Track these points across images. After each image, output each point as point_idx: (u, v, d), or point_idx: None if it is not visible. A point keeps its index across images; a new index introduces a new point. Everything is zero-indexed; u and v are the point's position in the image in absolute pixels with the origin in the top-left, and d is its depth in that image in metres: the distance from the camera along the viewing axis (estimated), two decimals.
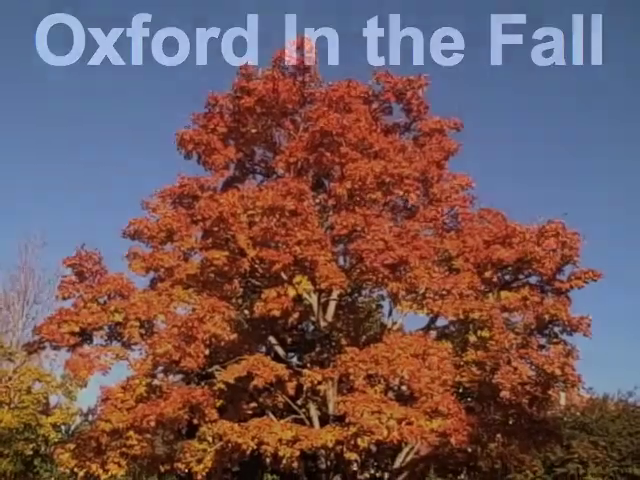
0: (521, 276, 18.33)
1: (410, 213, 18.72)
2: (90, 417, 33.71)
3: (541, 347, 17.67)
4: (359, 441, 13.80)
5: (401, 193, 17.61)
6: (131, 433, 15.60)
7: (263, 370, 15.62)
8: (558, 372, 15.84)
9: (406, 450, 17.68)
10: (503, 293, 17.86)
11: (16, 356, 21.42)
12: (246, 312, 18.44)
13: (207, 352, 15.60)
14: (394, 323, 18.85)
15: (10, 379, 21.12)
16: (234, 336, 16.17)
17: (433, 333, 18.32)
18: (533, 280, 18.42)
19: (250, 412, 18.30)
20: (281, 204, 15.58)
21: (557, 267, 17.82)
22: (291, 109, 19.65)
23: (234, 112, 19.78)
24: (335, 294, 18.50)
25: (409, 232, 16.47)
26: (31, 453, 20.48)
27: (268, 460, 15.59)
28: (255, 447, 14.90)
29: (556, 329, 17.71)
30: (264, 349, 20.04)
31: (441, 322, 18.40)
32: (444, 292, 16.47)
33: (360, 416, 13.73)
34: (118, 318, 16.28)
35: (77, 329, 16.48)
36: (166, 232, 17.87)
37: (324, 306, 18.49)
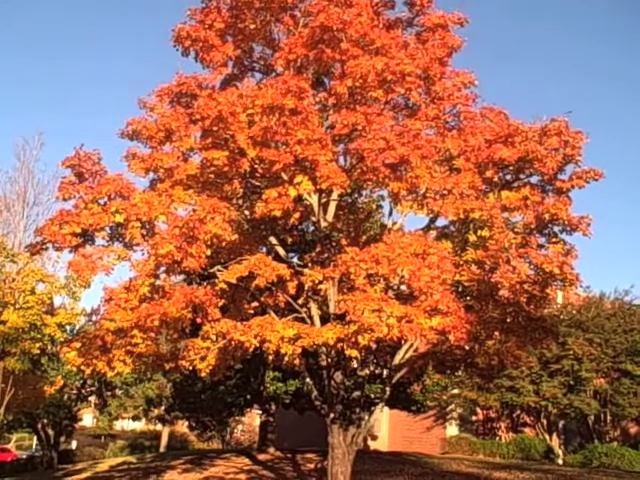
0: (522, 176, 18.26)
1: (411, 112, 18.44)
2: (94, 317, 34.33)
3: (540, 246, 17.78)
4: (359, 338, 14.01)
5: (403, 91, 17.33)
6: (135, 332, 15.86)
7: (264, 270, 15.76)
8: (557, 271, 15.96)
9: (405, 347, 18.08)
10: (504, 193, 17.85)
11: (19, 257, 21.55)
12: (247, 213, 18.45)
13: (209, 252, 15.71)
14: (394, 223, 18.94)
15: (14, 280, 21.31)
16: (235, 237, 16.25)
17: (433, 233, 18.40)
18: (534, 180, 18.38)
19: (252, 311, 18.64)
20: (281, 102, 15.33)
21: (559, 166, 17.75)
22: (290, 4, 19.11)
23: (232, 7, 19.25)
24: (335, 194, 18.50)
25: (410, 131, 16.26)
26: (38, 352, 20.90)
27: (270, 357, 15.87)
28: (258, 345, 15.15)
29: (556, 228, 17.77)
30: (265, 249, 20.22)
31: (441, 222, 18.49)
32: (445, 192, 16.47)
33: (360, 314, 13.91)
34: (119, 219, 16.26)
35: (78, 230, 16.49)
36: (165, 132, 17.65)
37: (324, 206, 18.51)
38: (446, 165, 17.59)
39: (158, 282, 16.56)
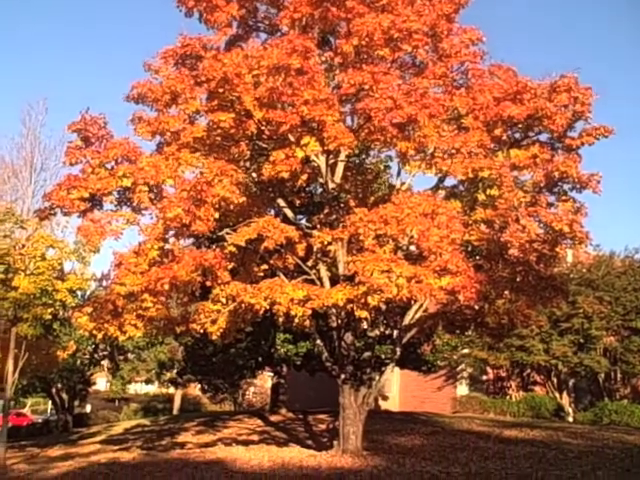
0: (531, 133, 18.14)
1: (419, 70, 18.23)
2: (104, 282, 34.62)
3: (550, 205, 17.72)
4: (369, 299, 14.05)
5: (409, 49, 17.15)
6: (146, 296, 15.95)
7: (273, 232, 15.76)
8: (566, 229, 15.93)
9: (415, 307, 18.13)
10: (513, 151, 17.75)
11: (28, 223, 21.61)
12: (254, 175, 18.40)
13: (217, 215, 15.72)
14: (402, 184, 18.87)
15: (24, 246, 21.37)
16: (243, 199, 16.23)
17: (442, 193, 18.35)
18: (543, 137, 18.26)
19: (261, 274, 18.68)
20: (286, 63, 15.20)
21: (568, 124, 17.60)
22: None
23: None
24: (343, 155, 18.40)
25: (418, 90, 16.12)
26: (50, 317, 21.05)
27: (280, 320, 15.95)
28: (268, 307, 15.22)
29: (565, 186, 17.69)
30: (273, 212, 20.22)
31: (450, 182, 18.42)
32: (453, 151, 16.35)
33: (370, 275, 13.94)
34: (127, 183, 16.27)
35: (86, 195, 16.54)
36: (170, 94, 17.52)
37: (332, 167, 18.44)
38: (454, 124, 17.46)
39: (167, 246, 16.63)
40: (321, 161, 17.50)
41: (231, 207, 16.18)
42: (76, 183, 16.55)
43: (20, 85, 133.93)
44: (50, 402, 54.13)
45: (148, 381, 60.21)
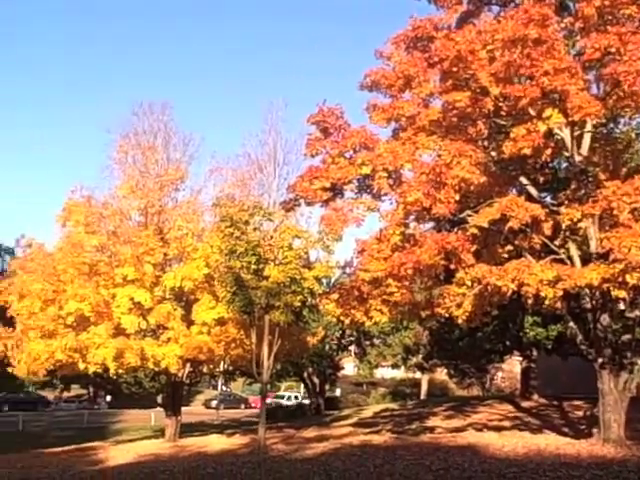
0: None
1: None
2: (347, 269, 35.67)
3: None
4: (627, 278, 13.28)
5: None
6: (390, 281, 16.21)
7: (517, 211, 15.28)
8: None
9: None
10: None
11: (274, 215, 22.71)
12: (493, 154, 17.95)
13: (457, 197, 15.58)
14: None
15: (272, 238, 22.53)
16: (483, 179, 15.93)
17: None
18: None
19: (506, 255, 18.19)
20: (523, 33, 14.63)
21: None
22: None
23: None
24: (589, 125, 17.36)
25: None
26: (299, 304, 21.97)
27: (529, 302, 15.47)
28: (515, 289, 14.84)
29: None
30: (514, 191, 19.55)
31: None
32: None
33: (627, 252, 13.14)
34: (366, 170, 16.59)
35: (328, 184, 17.09)
36: (403, 79, 17.59)
37: (578, 139, 17.46)
38: None
39: (408, 230, 16.76)
40: (565, 134, 16.65)
41: (471, 188, 15.95)
42: (318, 174, 17.15)
43: (262, 84, 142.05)
44: (302, 385, 56.93)
45: (394, 366, 61.42)
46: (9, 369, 25.88)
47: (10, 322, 26.58)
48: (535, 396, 33.04)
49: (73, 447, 28.96)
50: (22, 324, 25.42)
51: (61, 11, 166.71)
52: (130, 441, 32.03)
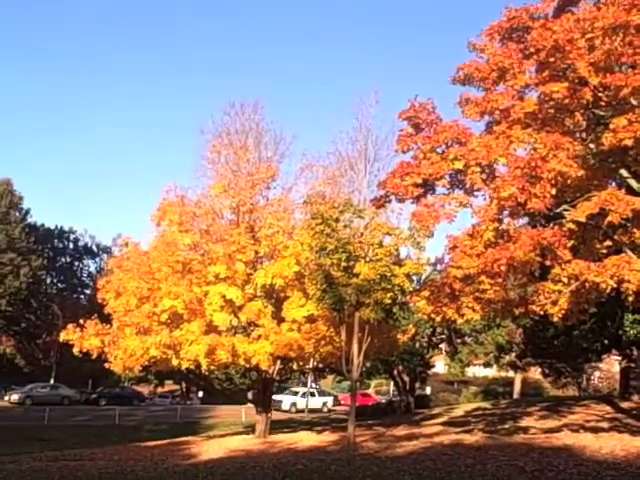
0: None
1: None
2: (439, 266, 35.30)
3: None
4: None
5: None
6: (483, 278, 15.96)
7: (617, 204, 14.76)
8: None
9: None
10: None
11: (365, 213, 22.72)
12: (591, 146, 17.36)
13: (553, 192, 15.17)
14: None
15: (362, 235, 22.56)
16: (581, 172, 15.46)
17: None
18: None
19: (604, 251, 17.60)
20: (625, 20, 14.10)
21: None
22: None
23: None
24: None
25: None
26: (389, 302, 21.89)
27: (630, 299, 14.94)
28: (614, 286, 14.37)
29: None
30: (614, 184, 18.94)
31: None
32: None
33: None
34: (458, 165, 16.35)
35: (419, 180, 16.92)
36: (497, 71, 17.22)
37: None
38: None
39: (502, 226, 16.43)
40: None
41: (568, 182, 15.51)
42: (409, 170, 17.01)
43: (353, 82, 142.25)
44: (392, 383, 56.79)
45: (486, 364, 60.53)
46: (106, 365, 26.66)
47: (107, 319, 27.46)
48: (635, 397, 31.98)
49: (166, 441, 29.77)
50: (118, 321, 26.19)
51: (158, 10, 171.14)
52: (221, 436, 32.65)
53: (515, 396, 56.83)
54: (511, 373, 62.72)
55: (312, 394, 61.18)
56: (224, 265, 25.40)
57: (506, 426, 26.42)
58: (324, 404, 62.18)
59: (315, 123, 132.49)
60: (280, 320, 25.84)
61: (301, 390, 61.56)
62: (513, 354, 49.57)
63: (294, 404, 59.27)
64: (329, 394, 67.55)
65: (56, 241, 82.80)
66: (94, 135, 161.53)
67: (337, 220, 21.64)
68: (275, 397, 41.22)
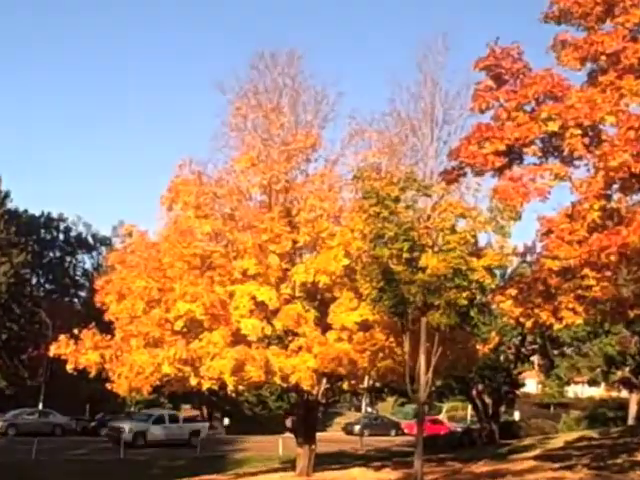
0: None
1: None
2: (528, 257, 35.03)
3: None
4: None
5: None
6: (586, 271, 15.91)
7: None
8: None
9: None
10: None
11: (432, 190, 22.57)
12: None
13: None
14: None
15: (429, 218, 22.42)
16: None
17: None
18: None
19: None
20: None
21: None
22: None
23: None
24: None
25: None
26: (465, 303, 21.78)
27: None
28: None
29: None
30: None
31: None
32: None
33: None
34: (553, 127, 16.28)
35: (502, 147, 16.88)
36: (603, 4, 17.07)
37: None
38: None
39: (610, 204, 16.34)
40: None
41: None
42: (489, 134, 16.98)
43: (414, 21, 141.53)
44: (470, 407, 56.73)
45: (592, 382, 60.13)
46: (107, 385, 26.92)
47: (108, 328, 27.72)
48: None
49: None
50: (122, 330, 26.41)
51: None
52: (253, 474, 32.93)
53: (630, 422, 56.23)
54: (624, 393, 62.19)
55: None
56: (254, 259, 25.52)
57: (619, 460, 26.29)
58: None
59: (366, 77, 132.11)
60: (326, 327, 25.92)
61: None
62: (627, 369, 49.24)
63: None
64: (389, 421, 67.81)
65: (43, 231, 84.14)
66: (85, 96, 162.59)
67: (397, 200, 21.58)
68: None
